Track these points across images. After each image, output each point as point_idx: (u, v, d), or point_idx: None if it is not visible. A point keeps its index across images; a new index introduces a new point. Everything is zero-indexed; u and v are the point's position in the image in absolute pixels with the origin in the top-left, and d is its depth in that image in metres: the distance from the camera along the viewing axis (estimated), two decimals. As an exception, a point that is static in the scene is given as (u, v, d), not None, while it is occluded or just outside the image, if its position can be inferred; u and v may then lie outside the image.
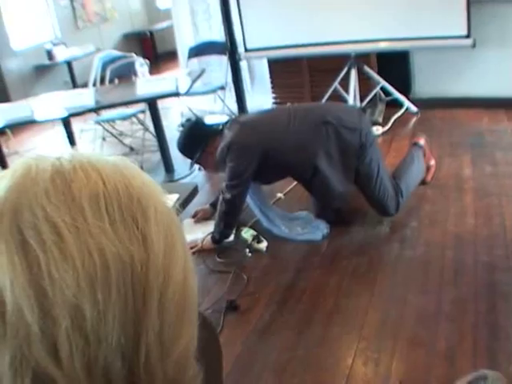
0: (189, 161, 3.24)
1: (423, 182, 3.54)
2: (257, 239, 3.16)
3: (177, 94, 4.08)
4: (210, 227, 3.25)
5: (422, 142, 3.61)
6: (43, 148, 6.10)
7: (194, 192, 2.14)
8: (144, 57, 8.78)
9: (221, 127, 3.20)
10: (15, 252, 0.42)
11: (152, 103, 4.32)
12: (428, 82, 4.91)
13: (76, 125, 5.18)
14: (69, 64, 8.37)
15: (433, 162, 3.59)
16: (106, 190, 0.46)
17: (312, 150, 3.05)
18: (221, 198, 3.06)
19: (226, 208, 3.05)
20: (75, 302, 0.42)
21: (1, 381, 0.42)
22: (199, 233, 3.29)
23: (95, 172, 0.47)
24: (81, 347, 0.43)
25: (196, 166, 3.39)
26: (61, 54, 8.32)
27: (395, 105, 4.85)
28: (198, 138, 3.16)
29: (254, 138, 3.05)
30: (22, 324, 0.42)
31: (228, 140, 3.01)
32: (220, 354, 0.76)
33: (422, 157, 3.53)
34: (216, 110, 5.44)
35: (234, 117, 3.21)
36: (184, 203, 2.06)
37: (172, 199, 2.06)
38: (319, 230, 3.22)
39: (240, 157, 3.00)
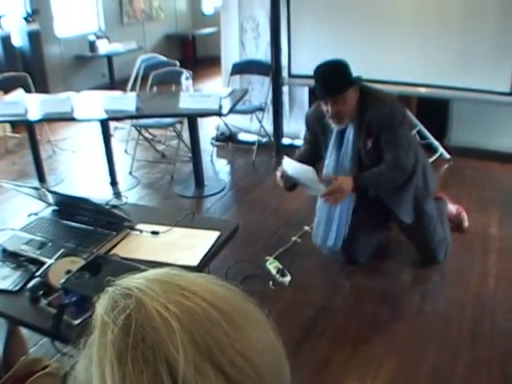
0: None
1: (462, 230, 3.66)
2: (281, 272, 3.20)
3: (219, 114, 4.14)
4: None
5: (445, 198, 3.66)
6: (76, 140, 6.19)
7: (236, 230, 2.19)
8: (184, 59, 8.92)
9: None
10: None
11: (192, 118, 4.38)
12: (464, 130, 4.93)
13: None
14: (109, 58, 8.50)
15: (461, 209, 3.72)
16: None
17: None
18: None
19: (399, 175, 3.03)
20: None
21: None
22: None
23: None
24: None
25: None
26: (103, 47, 8.46)
27: (429, 149, 4.85)
28: (351, 73, 2.99)
29: None
30: None
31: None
32: None
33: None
34: (252, 129, 5.51)
35: None
36: (225, 241, 2.12)
37: (213, 236, 2.12)
38: None
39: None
